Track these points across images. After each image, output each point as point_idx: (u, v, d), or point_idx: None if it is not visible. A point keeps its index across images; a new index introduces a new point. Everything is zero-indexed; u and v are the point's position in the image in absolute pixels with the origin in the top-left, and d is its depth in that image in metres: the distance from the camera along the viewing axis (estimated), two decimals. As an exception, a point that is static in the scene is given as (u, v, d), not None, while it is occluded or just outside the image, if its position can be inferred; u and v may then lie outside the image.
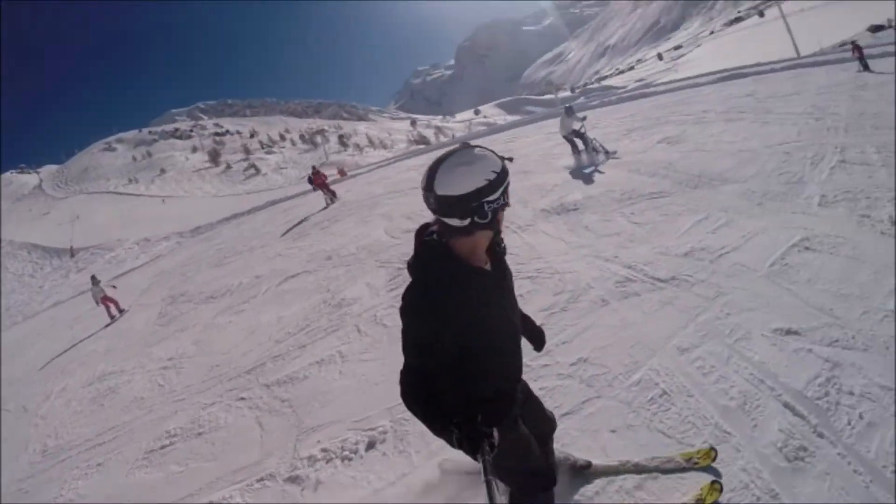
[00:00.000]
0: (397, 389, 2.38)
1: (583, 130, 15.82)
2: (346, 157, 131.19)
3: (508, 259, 2.72)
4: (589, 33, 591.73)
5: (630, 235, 8.49)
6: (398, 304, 2.42)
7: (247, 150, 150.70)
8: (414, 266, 2.51)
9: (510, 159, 2.54)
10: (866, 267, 5.66)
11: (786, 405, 3.97)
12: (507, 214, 2.53)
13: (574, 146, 15.93)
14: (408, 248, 7.53)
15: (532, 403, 3.17)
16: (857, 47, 25.58)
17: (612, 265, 7.46)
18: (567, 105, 17.91)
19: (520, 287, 7.24)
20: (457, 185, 2.31)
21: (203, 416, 7.07)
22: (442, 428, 2.34)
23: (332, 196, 24.71)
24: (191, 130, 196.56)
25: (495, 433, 2.29)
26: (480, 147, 2.42)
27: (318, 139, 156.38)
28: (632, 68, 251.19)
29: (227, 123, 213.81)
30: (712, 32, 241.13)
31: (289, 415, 6.26)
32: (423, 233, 2.56)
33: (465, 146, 2.43)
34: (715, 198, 9.08)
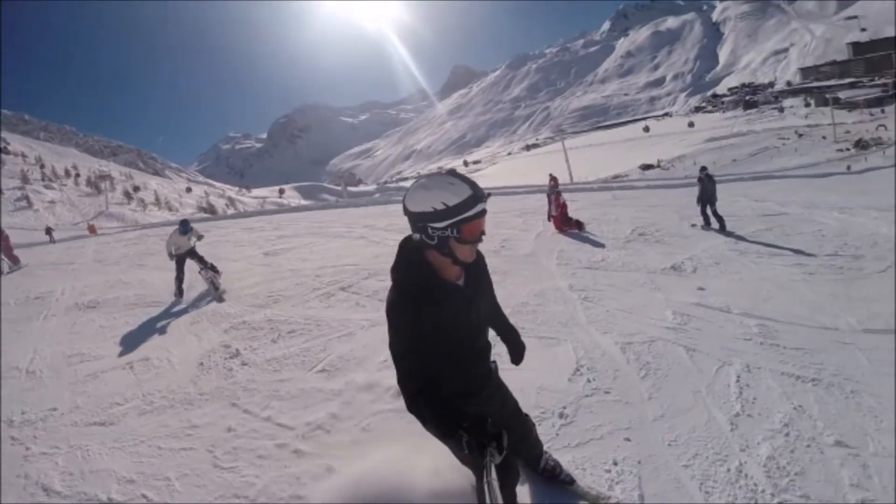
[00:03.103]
0: None
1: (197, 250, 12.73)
2: (127, 211, 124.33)
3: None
4: (399, 135, 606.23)
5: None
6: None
7: (25, 178, 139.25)
8: (395, 271, 2.75)
9: (489, 195, 2.58)
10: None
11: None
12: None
13: (181, 272, 12.33)
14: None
15: (507, 406, 3.41)
16: (553, 178, 28.74)
17: None
18: (182, 219, 13.73)
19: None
20: (411, 200, 2.58)
21: None
22: (451, 432, 2.46)
23: (13, 262, 21.04)
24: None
25: (504, 437, 2.39)
26: (459, 178, 2.60)
27: (104, 185, 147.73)
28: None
29: (16, 142, 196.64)
30: (510, 154, 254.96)
31: None
32: (404, 242, 2.78)
33: (448, 173, 2.63)
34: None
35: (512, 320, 7.20)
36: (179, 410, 6.37)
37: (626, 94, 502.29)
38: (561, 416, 5.14)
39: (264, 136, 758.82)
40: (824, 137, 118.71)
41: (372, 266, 12.26)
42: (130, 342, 9.38)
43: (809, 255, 11.65)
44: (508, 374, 3.51)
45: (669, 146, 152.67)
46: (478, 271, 2.98)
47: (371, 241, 16.07)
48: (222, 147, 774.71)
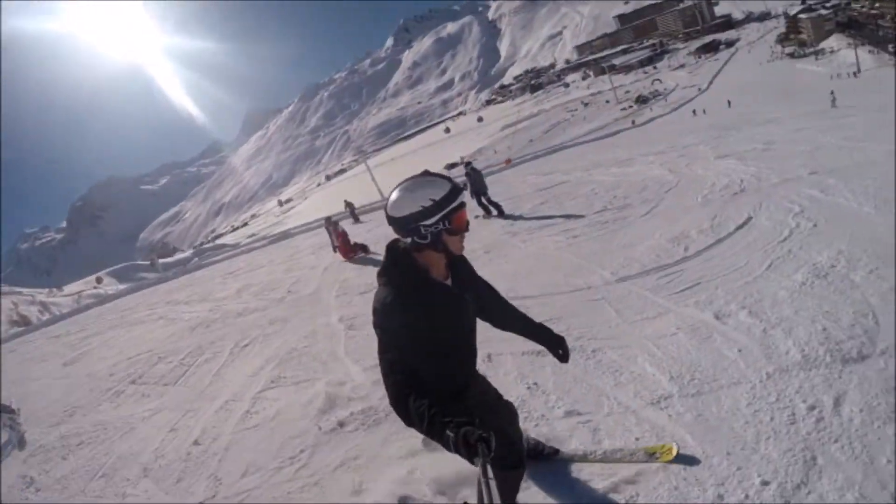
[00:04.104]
0: None
1: None
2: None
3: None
4: (205, 192, 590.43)
5: None
6: None
7: None
8: (383, 274, 2.63)
9: (465, 186, 2.40)
10: None
11: None
12: None
13: None
14: None
15: (489, 397, 3.23)
16: (348, 204, 29.37)
17: None
18: None
19: None
20: (397, 207, 2.52)
21: None
22: (438, 432, 2.31)
23: None
24: None
25: (492, 437, 2.22)
26: (435, 176, 2.61)
27: None
28: (245, 224, 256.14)
29: None
30: (319, 185, 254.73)
31: None
32: (392, 246, 2.68)
33: (424, 174, 2.61)
34: None
35: (280, 370, 7.81)
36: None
37: (419, 103, 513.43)
38: (294, 459, 5.27)
39: (64, 224, 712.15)
40: (608, 101, 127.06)
41: (163, 349, 11.68)
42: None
43: (579, 217, 11.96)
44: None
45: (470, 142, 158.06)
46: (463, 271, 2.94)
47: (168, 319, 15.47)
48: (21, 247, 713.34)
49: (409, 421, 2.47)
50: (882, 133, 13.03)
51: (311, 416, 6.03)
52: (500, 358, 5.75)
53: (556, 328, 5.90)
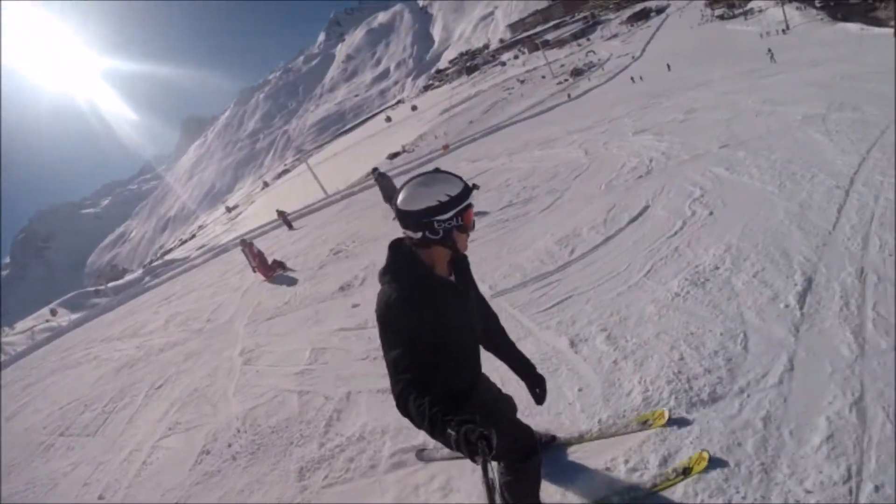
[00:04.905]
0: None
1: None
2: None
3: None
4: (149, 209, 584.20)
5: None
6: None
7: None
8: (386, 272, 2.62)
9: (476, 186, 2.63)
10: None
11: None
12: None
13: None
14: None
15: (492, 394, 3.23)
16: (280, 213, 29.28)
17: None
18: None
19: None
20: (412, 202, 2.53)
21: None
22: (440, 430, 2.28)
23: None
24: None
25: (493, 435, 2.16)
26: (448, 173, 2.63)
27: None
28: (194, 236, 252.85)
29: None
30: (262, 188, 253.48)
31: None
32: (396, 244, 2.69)
33: (436, 171, 2.65)
34: None
35: (179, 414, 7.87)
36: None
37: (356, 96, 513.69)
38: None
39: (7, 259, 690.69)
40: (543, 77, 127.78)
41: (91, 395, 11.53)
42: None
43: (484, 214, 11.81)
44: None
45: (411, 129, 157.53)
46: (464, 271, 2.92)
47: (101, 360, 15.09)
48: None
49: (413, 422, 2.47)
50: (800, 93, 13.45)
51: (189, 465, 6.15)
52: (357, 397, 6.00)
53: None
